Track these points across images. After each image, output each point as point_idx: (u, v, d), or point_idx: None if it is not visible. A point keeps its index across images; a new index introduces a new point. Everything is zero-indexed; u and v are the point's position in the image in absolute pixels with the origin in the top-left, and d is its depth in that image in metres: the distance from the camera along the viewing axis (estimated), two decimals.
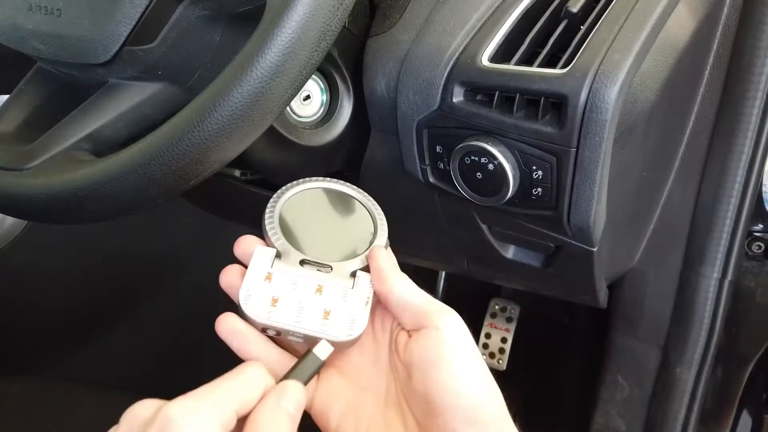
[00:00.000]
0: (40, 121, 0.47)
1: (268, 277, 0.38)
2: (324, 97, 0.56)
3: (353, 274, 0.39)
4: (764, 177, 0.65)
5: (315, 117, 0.56)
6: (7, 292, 0.96)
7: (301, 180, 0.43)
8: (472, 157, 0.48)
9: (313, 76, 0.54)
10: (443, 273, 1.09)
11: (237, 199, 0.65)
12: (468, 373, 0.35)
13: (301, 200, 0.42)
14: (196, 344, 0.96)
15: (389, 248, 0.41)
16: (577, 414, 0.88)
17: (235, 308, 0.38)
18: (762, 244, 0.69)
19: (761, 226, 0.69)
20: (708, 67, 0.62)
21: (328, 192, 0.43)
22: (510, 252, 0.61)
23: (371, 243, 0.41)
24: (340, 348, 0.38)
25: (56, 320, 1.03)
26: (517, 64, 0.47)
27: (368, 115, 0.56)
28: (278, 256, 0.39)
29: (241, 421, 0.32)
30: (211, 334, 0.37)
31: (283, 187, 0.42)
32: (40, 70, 0.49)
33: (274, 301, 0.37)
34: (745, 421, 0.79)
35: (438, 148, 0.51)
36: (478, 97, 0.48)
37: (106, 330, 1.10)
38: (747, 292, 0.71)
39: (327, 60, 0.54)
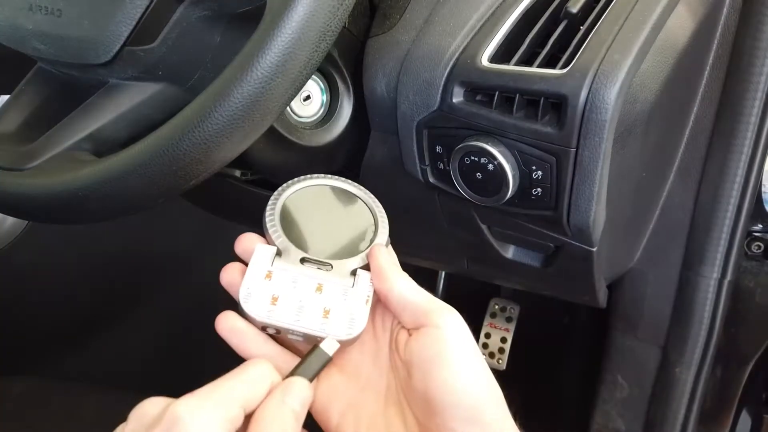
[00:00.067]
0: (40, 121, 0.47)
1: (269, 276, 0.38)
2: (324, 98, 0.56)
3: (353, 273, 0.39)
4: (764, 177, 0.65)
5: (315, 117, 0.56)
6: (8, 292, 0.96)
7: (302, 177, 0.43)
8: (472, 158, 0.48)
9: (313, 76, 0.54)
10: (443, 273, 1.09)
11: (237, 199, 0.65)
12: (468, 372, 0.35)
13: (302, 197, 0.42)
14: (196, 343, 0.96)
15: (390, 246, 0.41)
16: (577, 414, 0.88)
17: (236, 306, 0.38)
18: (761, 244, 0.69)
19: (761, 226, 0.69)
20: (707, 68, 0.62)
21: (330, 189, 0.43)
22: (510, 252, 0.61)
23: (372, 241, 0.41)
24: (340, 347, 0.38)
25: (56, 320, 1.03)
26: (516, 64, 0.47)
27: (368, 116, 0.56)
28: (279, 254, 0.39)
29: (248, 417, 0.32)
30: (211, 333, 0.37)
31: (284, 185, 0.42)
32: (40, 71, 0.49)
33: (274, 299, 0.37)
34: (745, 420, 0.79)
35: (438, 149, 0.51)
36: (478, 98, 0.49)
37: (106, 330, 1.10)
38: (746, 292, 0.71)
39: (327, 60, 0.54)
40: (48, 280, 1.02)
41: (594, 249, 0.53)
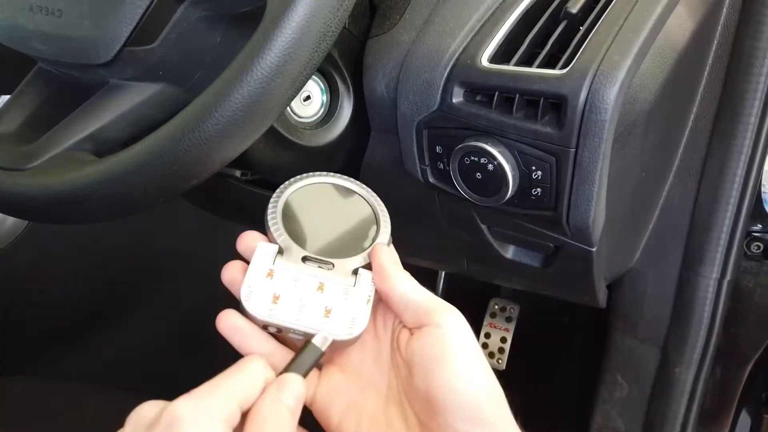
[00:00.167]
0: (40, 121, 0.47)
1: (270, 274, 0.38)
2: (324, 98, 0.56)
3: (355, 272, 0.39)
4: (763, 177, 0.65)
5: (315, 117, 0.57)
6: (8, 292, 0.96)
7: (304, 175, 0.43)
8: (472, 158, 0.48)
9: (313, 76, 0.54)
10: (443, 273, 1.10)
11: (237, 199, 0.65)
12: (470, 372, 0.35)
13: (304, 195, 0.42)
14: (196, 343, 0.96)
15: (392, 245, 0.41)
16: (577, 414, 0.88)
17: (237, 305, 0.38)
18: (761, 244, 0.69)
19: (760, 226, 0.69)
20: (707, 68, 0.62)
21: (332, 187, 0.43)
22: (509, 252, 0.61)
23: (374, 240, 0.41)
24: (341, 346, 0.38)
25: (57, 320, 1.03)
26: (516, 64, 0.47)
27: (368, 116, 0.56)
28: (280, 252, 0.39)
29: (244, 414, 0.32)
30: (211, 333, 0.37)
31: (287, 182, 0.42)
32: (40, 71, 0.49)
33: (276, 298, 0.37)
34: (744, 420, 0.79)
35: (438, 149, 0.51)
36: (478, 98, 0.49)
37: (106, 330, 1.10)
38: (746, 292, 0.71)
39: (327, 60, 0.54)
40: (48, 280, 1.02)
41: (594, 249, 0.53)
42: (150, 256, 1.15)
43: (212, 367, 0.35)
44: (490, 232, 0.59)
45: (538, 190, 0.48)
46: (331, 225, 0.41)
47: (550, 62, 0.46)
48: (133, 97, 0.45)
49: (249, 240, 0.39)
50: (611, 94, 0.43)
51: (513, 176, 0.47)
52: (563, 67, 0.45)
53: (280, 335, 0.39)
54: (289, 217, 0.40)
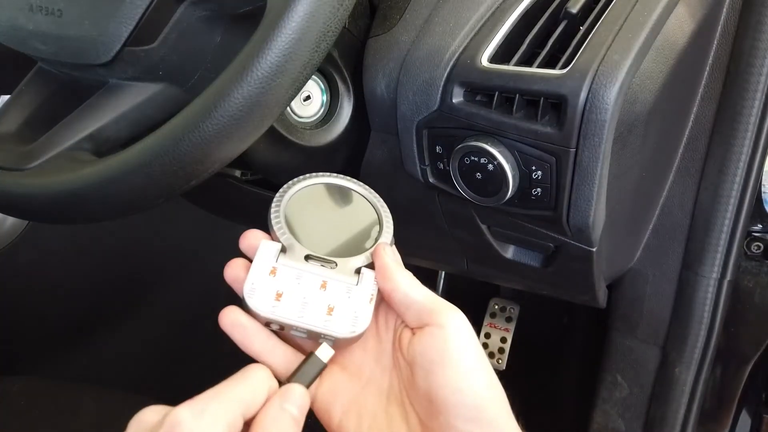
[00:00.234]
0: (40, 121, 0.47)
1: (273, 272, 0.38)
2: (324, 98, 0.56)
3: (358, 271, 0.39)
4: (763, 177, 0.65)
5: (315, 117, 0.57)
6: (8, 292, 0.96)
7: (307, 175, 0.43)
8: (472, 158, 0.48)
9: (313, 76, 0.54)
10: (443, 273, 1.10)
11: (237, 199, 0.65)
12: (471, 372, 0.35)
13: (308, 195, 0.42)
14: (197, 343, 0.96)
15: (394, 245, 0.41)
16: (577, 413, 0.88)
17: (239, 303, 0.38)
18: (761, 244, 0.69)
19: (760, 226, 0.69)
20: (707, 68, 0.62)
21: (335, 187, 0.44)
22: (509, 252, 0.61)
23: (376, 240, 0.41)
24: (343, 344, 0.38)
25: (57, 320, 1.03)
26: (516, 64, 0.47)
27: (368, 116, 0.56)
28: (283, 250, 0.39)
29: (247, 423, 0.32)
30: (211, 333, 0.38)
31: (290, 182, 0.43)
32: (40, 71, 0.49)
33: (279, 295, 0.37)
34: (744, 420, 0.79)
35: (438, 149, 0.51)
36: (478, 98, 0.49)
37: (106, 330, 1.10)
38: (746, 292, 0.71)
39: (327, 60, 0.54)
40: (49, 279, 1.02)
41: (594, 249, 0.53)
42: (150, 256, 1.15)
43: (212, 368, 0.35)
44: (490, 232, 0.59)
45: (538, 190, 0.48)
46: (334, 225, 0.42)
47: (550, 62, 0.46)
48: (133, 97, 0.45)
49: (252, 238, 0.39)
50: (611, 94, 0.43)
51: (513, 176, 0.47)
52: (563, 67, 0.45)
53: (282, 333, 0.39)
54: (292, 216, 0.41)
